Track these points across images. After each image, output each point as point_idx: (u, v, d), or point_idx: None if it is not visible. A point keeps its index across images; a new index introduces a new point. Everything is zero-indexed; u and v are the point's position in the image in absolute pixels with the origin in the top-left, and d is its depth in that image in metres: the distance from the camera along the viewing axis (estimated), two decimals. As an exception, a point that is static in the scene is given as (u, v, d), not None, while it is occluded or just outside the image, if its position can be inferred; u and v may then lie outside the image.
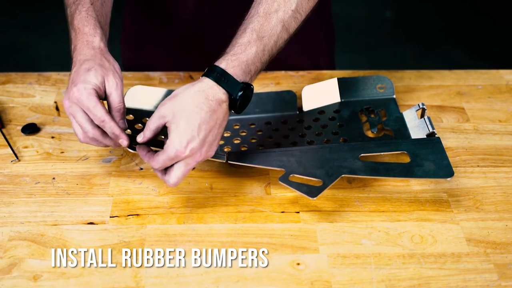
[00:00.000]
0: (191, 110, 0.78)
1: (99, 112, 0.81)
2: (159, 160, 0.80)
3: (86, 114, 0.82)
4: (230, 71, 0.80)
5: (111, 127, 0.82)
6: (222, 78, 0.80)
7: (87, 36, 0.87)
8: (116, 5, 1.00)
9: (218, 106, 0.80)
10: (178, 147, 0.77)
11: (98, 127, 0.83)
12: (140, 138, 0.82)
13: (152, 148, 0.85)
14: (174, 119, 0.78)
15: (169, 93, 0.97)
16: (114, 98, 0.84)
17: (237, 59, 0.81)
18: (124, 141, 0.83)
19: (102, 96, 0.85)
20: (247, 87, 0.81)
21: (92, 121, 0.83)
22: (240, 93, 0.80)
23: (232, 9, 1.11)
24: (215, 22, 1.13)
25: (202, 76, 0.81)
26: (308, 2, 0.88)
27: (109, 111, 0.85)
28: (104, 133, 0.84)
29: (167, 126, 0.79)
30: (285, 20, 0.85)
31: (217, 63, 0.81)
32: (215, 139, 0.81)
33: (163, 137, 0.84)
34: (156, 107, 0.95)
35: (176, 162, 0.80)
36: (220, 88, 0.80)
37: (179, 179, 0.81)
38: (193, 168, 0.84)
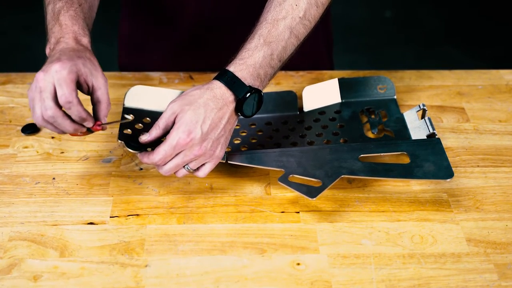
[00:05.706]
0: (198, 104, 0.81)
1: (68, 90, 0.76)
2: (160, 151, 0.81)
3: (55, 93, 0.77)
4: (238, 74, 0.83)
5: (79, 110, 0.78)
6: (230, 81, 0.82)
7: (76, 34, 0.84)
8: (116, 6, 1.00)
9: (225, 106, 0.82)
10: (181, 135, 0.79)
11: (60, 107, 0.78)
12: (145, 137, 0.83)
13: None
14: (181, 112, 0.81)
15: (169, 93, 0.97)
16: (103, 93, 0.81)
17: (244, 63, 0.83)
18: (89, 123, 0.80)
19: (85, 90, 0.81)
20: (255, 91, 0.83)
21: (56, 100, 0.77)
22: (247, 95, 0.82)
23: (233, 9, 1.11)
24: (215, 22, 1.13)
25: (213, 79, 0.84)
26: (317, 9, 0.89)
27: (94, 105, 0.82)
28: (64, 116, 0.79)
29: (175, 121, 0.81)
30: (293, 26, 0.87)
31: (227, 67, 0.84)
32: (217, 139, 0.82)
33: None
34: (156, 107, 0.95)
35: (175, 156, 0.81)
36: (228, 90, 0.82)
37: (171, 170, 0.83)
38: (191, 172, 0.84)
